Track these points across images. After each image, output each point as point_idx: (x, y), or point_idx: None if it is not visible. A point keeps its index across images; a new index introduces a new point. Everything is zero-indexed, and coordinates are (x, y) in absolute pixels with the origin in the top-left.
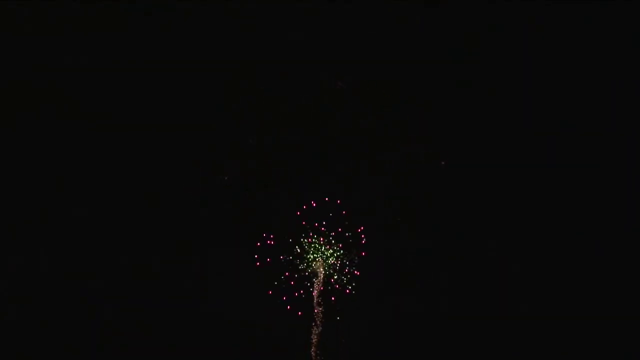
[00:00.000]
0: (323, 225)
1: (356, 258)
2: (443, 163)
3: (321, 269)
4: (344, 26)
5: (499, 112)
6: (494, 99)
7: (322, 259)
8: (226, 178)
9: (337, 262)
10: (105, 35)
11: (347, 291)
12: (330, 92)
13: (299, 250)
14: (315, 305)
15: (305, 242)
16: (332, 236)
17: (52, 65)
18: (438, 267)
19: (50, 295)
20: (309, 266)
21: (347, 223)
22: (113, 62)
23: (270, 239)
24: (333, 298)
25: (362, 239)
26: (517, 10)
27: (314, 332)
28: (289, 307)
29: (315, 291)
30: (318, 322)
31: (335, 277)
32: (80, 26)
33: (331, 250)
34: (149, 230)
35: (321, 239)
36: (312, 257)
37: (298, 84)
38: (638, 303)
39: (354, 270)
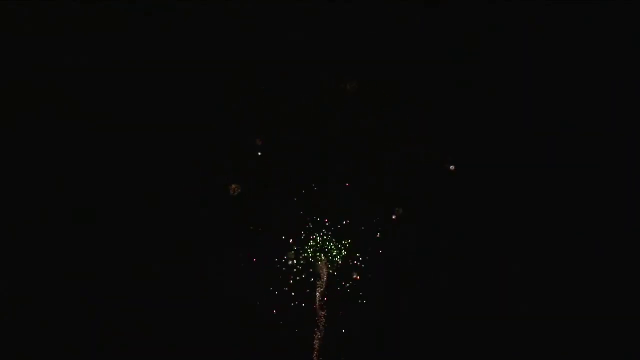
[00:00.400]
0: (326, 221)
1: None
2: (452, 168)
3: (324, 269)
4: (344, 26)
5: (499, 112)
6: (494, 99)
7: (325, 257)
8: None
9: (347, 262)
10: (105, 35)
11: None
12: (330, 92)
13: (295, 248)
14: (317, 308)
15: (306, 238)
16: (336, 233)
17: (52, 65)
18: (438, 267)
19: (50, 295)
20: (311, 265)
21: (354, 217)
22: (113, 62)
23: (269, 238)
24: (342, 313)
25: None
26: (517, 10)
27: (316, 337)
28: (282, 322)
29: (318, 294)
30: (321, 327)
31: (343, 284)
32: (80, 26)
33: (336, 250)
34: (148, 230)
35: (323, 232)
36: (314, 255)
37: (298, 84)
38: (638, 303)
39: (362, 272)
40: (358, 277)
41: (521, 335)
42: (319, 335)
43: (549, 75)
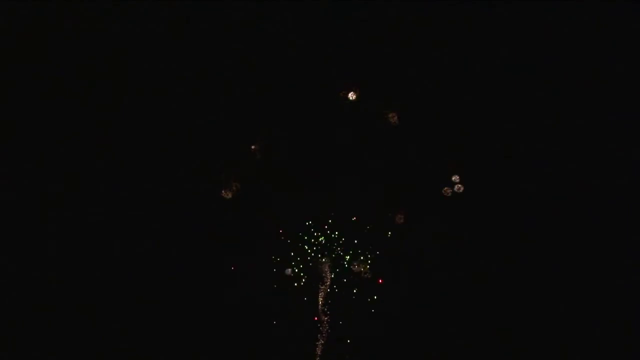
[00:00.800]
0: (330, 220)
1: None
2: (459, 184)
3: (328, 271)
4: (345, 26)
5: (499, 111)
6: (494, 99)
7: (329, 258)
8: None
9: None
10: (105, 35)
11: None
12: (331, 92)
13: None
14: (320, 313)
15: (308, 237)
16: (339, 232)
17: (52, 64)
18: (445, 269)
19: (51, 296)
20: (314, 267)
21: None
22: (113, 62)
23: (271, 240)
24: (345, 318)
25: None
26: (517, 11)
27: (318, 344)
28: (282, 327)
29: (321, 298)
30: (324, 333)
31: (347, 288)
32: (80, 26)
33: (339, 250)
34: (147, 232)
35: (327, 232)
36: (316, 255)
37: (298, 84)
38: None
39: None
40: (364, 277)
41: (527, 337)
42: (321, 341)
43: (549, 75)
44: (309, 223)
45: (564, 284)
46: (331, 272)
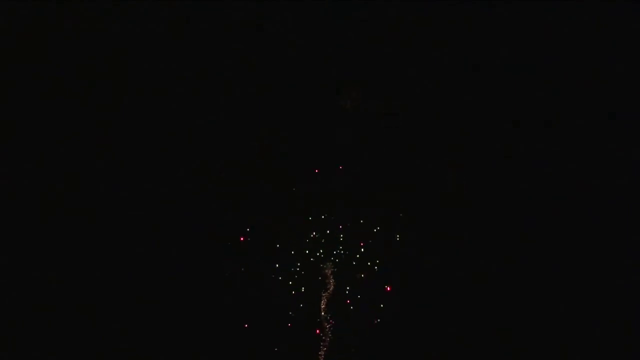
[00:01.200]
0: (332, 221)
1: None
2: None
3: (330, 276)
4: (345, 26)
5: (499, 111)
6: (494, 99)
7: (331, 263)
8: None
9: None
10: (105, 35)
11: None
12: (331, 92)
13: (296, 253)
14: (322, 319)
15: (310, 242)
16: (343, 235)
17: (52, 64)
18: (451, 273)
19: (51, 296)
20: (316, 270)
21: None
22: (113, 62)
23: (268, 239)
24: (348, 324)
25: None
26: (517, 11)
27: (321, 353)
28: (283, 333)
29: (323, 303)
30: (326, 340)
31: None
32: (80, 26)
33: (343, 252)
34: (146, 234)
35: (328, 233)
36: (317, 260)
37: (298, 84)
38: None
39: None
40: (363, 277)
41: (527, 337)
42: (324, 349)
43: (549, 75)
44: (309, 223)
45: (564, 284)
46: (334, 278)
